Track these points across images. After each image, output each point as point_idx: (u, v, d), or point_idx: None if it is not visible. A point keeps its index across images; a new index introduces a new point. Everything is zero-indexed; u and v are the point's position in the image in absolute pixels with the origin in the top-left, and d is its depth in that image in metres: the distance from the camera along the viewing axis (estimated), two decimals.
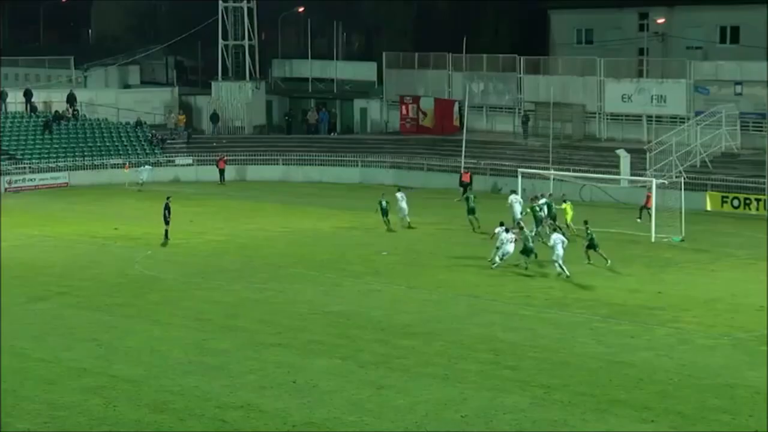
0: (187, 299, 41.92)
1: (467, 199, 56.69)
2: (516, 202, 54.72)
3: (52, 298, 42.13)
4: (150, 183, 72.91)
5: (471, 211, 55.17)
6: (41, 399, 30.07)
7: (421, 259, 49.22)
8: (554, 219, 52.35)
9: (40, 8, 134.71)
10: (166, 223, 53.70)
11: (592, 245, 46.97)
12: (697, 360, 33.40)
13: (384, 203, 56.16)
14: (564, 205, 53.56)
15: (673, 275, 45.94)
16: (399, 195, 57.18)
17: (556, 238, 45.12)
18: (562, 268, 44.61)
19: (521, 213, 53.68)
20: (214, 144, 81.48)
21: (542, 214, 52.31)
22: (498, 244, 46.40)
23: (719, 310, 39.70)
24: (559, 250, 44.65)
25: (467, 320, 38.36)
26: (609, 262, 46.70)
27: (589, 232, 47.35)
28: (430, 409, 29.07)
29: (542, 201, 53.07)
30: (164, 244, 52.92)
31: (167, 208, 53.83)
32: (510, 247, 46.22)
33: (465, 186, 66.01)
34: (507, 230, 46.88)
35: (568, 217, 52.98)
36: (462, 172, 68.34)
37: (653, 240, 52.71)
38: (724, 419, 28.35)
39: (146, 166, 74.79)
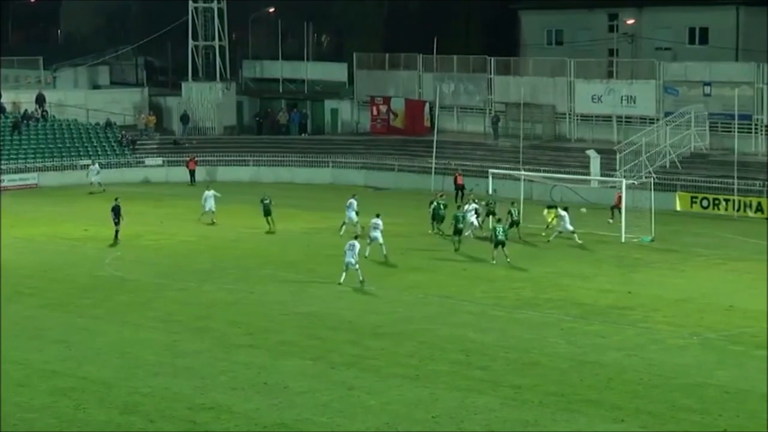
0: (157, 300, 41.81)
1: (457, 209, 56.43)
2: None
3: (22, 300, 41.92)
4: (120, 184, 72.25)
5: (441, 218, 54.66)
6: (11, 401, 29.92)
7: (392, 259, 49.19)
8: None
9: (8, 8, 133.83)
10: (116, 224, 54.13)
11: (498, 242, 47.71)
12: (667, 360, 33.56)
13: (267, 201, 57.31)
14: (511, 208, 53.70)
15: (643, 275, 46.13)
16: (210, 192, 59.48)
17: (349, 244, 43.96)
18: (356, 271, 43.69)
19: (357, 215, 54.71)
20: (182, 142, 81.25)
21: (444, 213, 53.51)
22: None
23: (689, 310, 39.89)
24: (350, 258, 43.61)
25: (438, 321, 38.41)
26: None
27: (497, 229, 48.12)
28: (401, 409, 29.10)
29: (471, 206, 53.42)
30: (113, 245, 52.99)
31: (114, 209, 54.28)
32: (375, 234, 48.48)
33: (459, 189, 65.82)
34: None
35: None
36: (456, 174, 67.87)
37: (623, 240, 52.90)
38: (694, 418, 28.50)
39: (94, 166, 73.00)
